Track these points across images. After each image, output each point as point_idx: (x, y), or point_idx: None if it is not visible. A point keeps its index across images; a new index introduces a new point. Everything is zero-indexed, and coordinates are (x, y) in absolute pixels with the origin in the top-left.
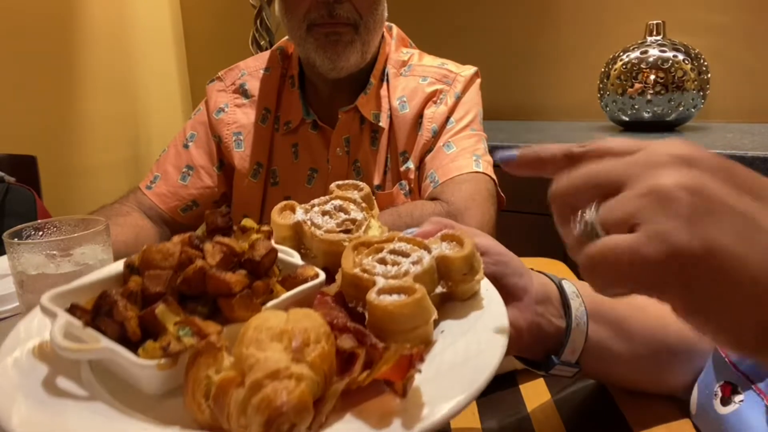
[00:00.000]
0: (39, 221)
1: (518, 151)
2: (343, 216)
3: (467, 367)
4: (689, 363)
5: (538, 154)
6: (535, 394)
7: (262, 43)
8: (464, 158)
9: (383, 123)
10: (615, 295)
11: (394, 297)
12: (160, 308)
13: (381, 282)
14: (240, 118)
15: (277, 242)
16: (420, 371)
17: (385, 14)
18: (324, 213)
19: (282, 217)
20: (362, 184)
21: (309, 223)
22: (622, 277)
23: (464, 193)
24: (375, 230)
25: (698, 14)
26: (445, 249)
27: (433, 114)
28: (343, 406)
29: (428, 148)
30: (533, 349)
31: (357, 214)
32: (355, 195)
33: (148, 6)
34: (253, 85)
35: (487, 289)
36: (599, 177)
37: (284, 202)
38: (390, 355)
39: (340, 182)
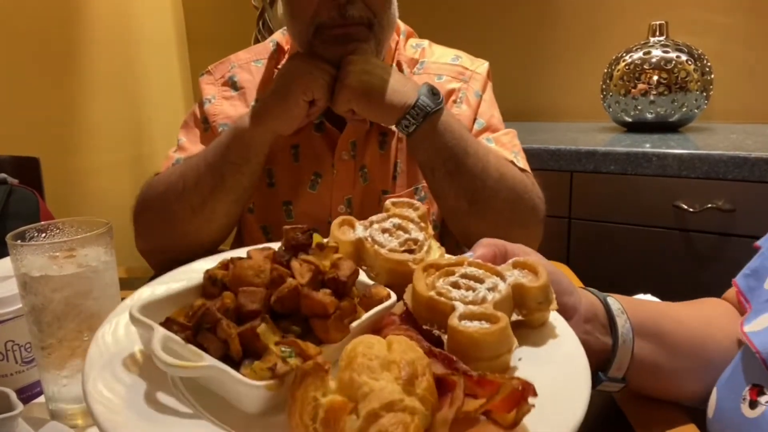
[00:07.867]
0: (42, 223)
1: None
2: (404, 235)
3: (558, 404)
4: (718, 373)
5: None
6: None
7: None
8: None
9: (393, 126)
10: None
11: (476, 324)
12: (262, 327)
13: (461, 308)
14: (227, 109)
15: None
16: (534, 406)
17: (397, 13)
18: (384, 231)
19: (342, 232)
20: (417, 203)
21: (371, 240)
22: None
23: None
24: (435, 251)
25: (701, 15)
26: (519, 277)
27: (458, 113)
28: None
29: None
30: None
31: (417, 234)
32: (412, 214)
33: (151, 7)
34: (244, 78)
35: (555, 317)
36: None
37: (342, 217)
38: (505, 387)
39: (394, 200)
